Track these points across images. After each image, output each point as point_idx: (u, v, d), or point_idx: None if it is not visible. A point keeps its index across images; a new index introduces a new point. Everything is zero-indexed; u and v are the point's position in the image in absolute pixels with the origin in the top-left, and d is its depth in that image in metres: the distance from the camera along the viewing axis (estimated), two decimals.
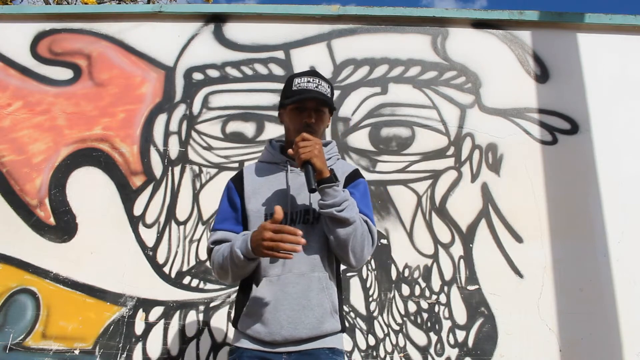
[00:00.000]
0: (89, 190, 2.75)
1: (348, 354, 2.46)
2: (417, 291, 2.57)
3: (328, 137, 2.79)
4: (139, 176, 2.77)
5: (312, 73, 1.65)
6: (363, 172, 2.71)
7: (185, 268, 2.61)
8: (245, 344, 1.49)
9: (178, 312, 2.54)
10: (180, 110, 2.88)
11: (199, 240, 2.65)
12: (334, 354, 1.49)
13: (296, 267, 1.50)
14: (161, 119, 2.87)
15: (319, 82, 1.60)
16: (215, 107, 2.87)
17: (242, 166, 2.74)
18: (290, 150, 1.51)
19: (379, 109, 2.84)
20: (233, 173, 2.75)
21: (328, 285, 1.52)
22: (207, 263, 2.63)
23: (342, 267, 1.66)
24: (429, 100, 2.86)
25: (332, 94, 1.68)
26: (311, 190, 1.44)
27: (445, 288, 2.57)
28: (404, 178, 2.74)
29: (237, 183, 1.65)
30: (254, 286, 1.52)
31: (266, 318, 1.46)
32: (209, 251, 1.60)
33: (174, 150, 2.81)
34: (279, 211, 1.34)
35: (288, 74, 2.89)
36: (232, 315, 1.60)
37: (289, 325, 1.44)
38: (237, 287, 1.62)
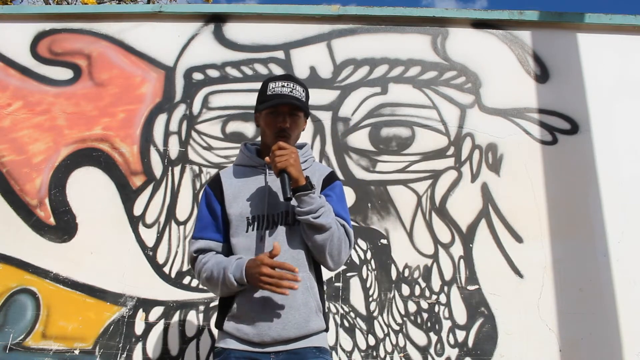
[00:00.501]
0: (89, 190, 2.75)
1: (348, 354, 2.46)
2: (417, 291, 2.57)
3: (328, 137, 2.80)
4: (139, 176, 2.77)
5: (287, 77, 1.67)
6: (363, 172, 2.75)
7: (185, 268, 2.61)
8: (232, 344, 1.50)
9: (178, 312, 2.54)
10: (180, 110, 2.88)
11: None
12: (321, 352, 1.52)
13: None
14: (161, 119, 2.87)
15: (293, 86, 1.62)
16: (215, 107, 2.87)
17: None
18: (267, 158, 1.55)
19: (379, 109, 2.84)
20: None
21: (312, 285, 1.55)
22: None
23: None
24: (429, 100, 2.86)
25: (307, 97, 1.69)
26: (286, 199, 1.49)
27: (445, 288, 2.57)
28: (404, 178, 2.74)
29: (215, 188, 1.65)
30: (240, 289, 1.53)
31: (253, 319, 1.48)
32: (192, 260, 1.61)
33: (174, 150, 2.81)
34: (277, 247, 1.40)
35: (288, 74, 2.89)
36: (215, 316, 1.61)
37: (276, 326, 1.47)
38: None
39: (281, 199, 1.56)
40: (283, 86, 1.61)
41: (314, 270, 1.59)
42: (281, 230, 1.56)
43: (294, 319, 1.48)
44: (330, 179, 1.69)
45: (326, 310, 1.63)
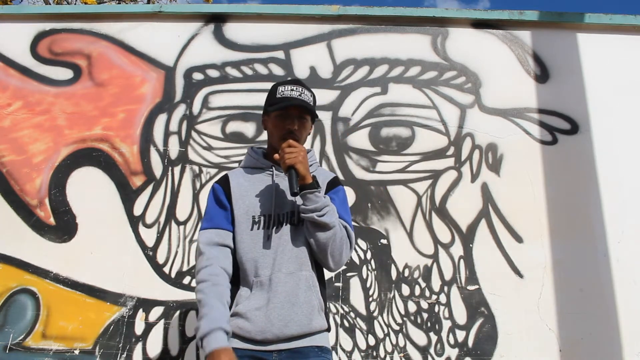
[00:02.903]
0: (89, 190, 2.75)
1: (348, 354, 2.46)
2: (417, 291, 2.56)
3: (328, 137, 2.79)
4: (139, 176, 2.77)
5: (296, 82, 1.72)
6: (363, 172, 2.75)
7: (185, 268, 2.61)
8: (235, 343, 1.50)
9: (178, 312, 2.54)
10: (180, 110, 2.88)
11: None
12: (322, 352, 1.53)
13: (285, 267, 1.54)
14: (161, 119, 2.87)
15: (302, 90, 1.66)
16: (215, 107, 2.87)
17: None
18: (276, 155, 1.59)
19: (379, 109, 2.84)
20: None
21: (315, 284, 1.58)
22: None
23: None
24: (429, 100, 2.86)
25: (315, 102, 1.73)
26: (293, 194, 1.53)
27: (445, 288, 2.57)
28: (404, 178, 2.74)
29: (224, 186, 1.67)
30: (243, 288, 1.56)
31: (257, 316, 1.49)
32: (198, 253, 1.59)
33: (174, 150, 2.81)
34: None
35: (288, 74, 2.89)
36: None
37: (279, 323, 1.48)
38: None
39: (288, 197, 1.60)
40: (292, 90, 1.65)
41: (317, 271, 1.62)
42: (286, 229, 1.59)
43: (296, 317, 1.49)
44: (333, 183, 1.73)
45: (327, 310, 1.65)
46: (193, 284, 2.58)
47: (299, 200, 1.59)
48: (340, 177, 2.66)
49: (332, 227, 1.53)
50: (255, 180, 1.68)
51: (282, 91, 1.66)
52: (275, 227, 1.59)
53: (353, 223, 2.54)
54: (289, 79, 1.79)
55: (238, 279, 1.58)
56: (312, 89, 1.75)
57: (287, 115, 1.64)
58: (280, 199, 1.63)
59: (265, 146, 1.80)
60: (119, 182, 2.75)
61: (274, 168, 1.68)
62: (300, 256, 1.57)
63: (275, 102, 1.65)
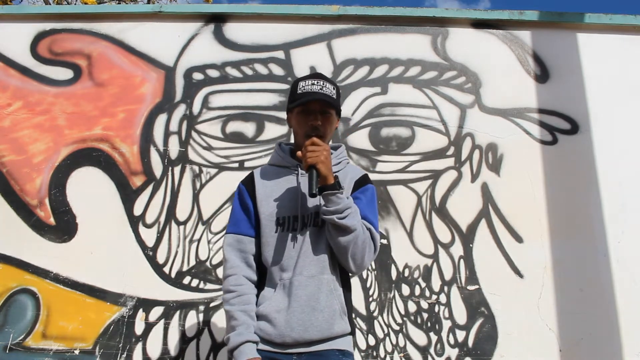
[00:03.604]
0: (89, 190, 2.75)
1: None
2: (417, 291, 2.56)
3: None
4: (139, 176, 2.77)
5: (317, 75, 1.66)
6: None
7: (185, 268, 2.61)
8: None
9: (178, 312, 2.54)
10: (180, 110, 2.88)
11: (199, 240, 2.65)
12: (344, 355, 1.50)
13: (306, 270, 1.51)
14: (161, 119, 2.87)
15: (323, 84, 1.61)
16: (215, 107, 2.87)
17: (242, 166, 2.74)
18: (299, 153, 1.54)
19: (379, 109, 2.84)
20: (233, 173, 2.75)
21: (337, 287, 1.54)
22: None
23: None
24: (429, 100, 2.86)
25: (339, 95, 1.67)
26: (311, 195, 1.46)
27: (445, 288, 2.57)
28: (404, 178, 2.74)
29: (248, 186, 1.66)
30: (267, 288, 1.55)
31: (277, 320, 1.48)
32: (224, 259, 1.61)
33: (174, 150, 2.81)
34: None
35: (288, 74, 2.89)
36: None
37: (299, 328, 1.46)
38: None
39: (309, 202, 1.57)
40: (313, 84, 1.61)
41: (339, 274, 1.58)
42: (310, 231, 1.56)
43: (317, 322, 1.47)
44: (362, 181, 1.67)
45: (352, 314, 1.60)
46: (193, 283, 2.58)
47: (321, 199, 1.54)
48: None
49: (353, 230, 1.47)
50: (281, 180, 1.65)
51: (302, 86, 1.62)
52: (299, 230, 1.55)
53: None
54: (311, 73, 1.74)
55: (263, 280, 1.57)
56: None
57: (310, 111, 1.59)
58: (304, 200, 1.59)
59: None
60: (119, 182, 2.75)
61: (299, 167, 1.63)
62: (322, 259, 1.53)
63: (297, 98, 1.61)
